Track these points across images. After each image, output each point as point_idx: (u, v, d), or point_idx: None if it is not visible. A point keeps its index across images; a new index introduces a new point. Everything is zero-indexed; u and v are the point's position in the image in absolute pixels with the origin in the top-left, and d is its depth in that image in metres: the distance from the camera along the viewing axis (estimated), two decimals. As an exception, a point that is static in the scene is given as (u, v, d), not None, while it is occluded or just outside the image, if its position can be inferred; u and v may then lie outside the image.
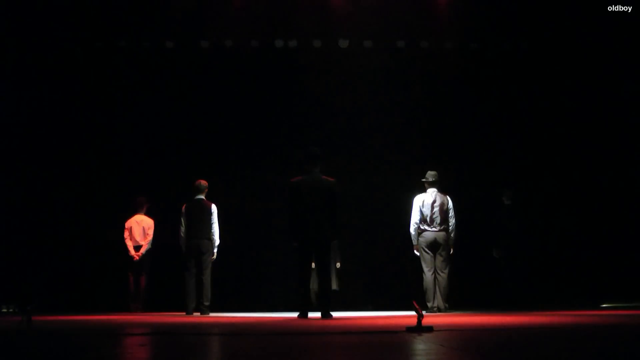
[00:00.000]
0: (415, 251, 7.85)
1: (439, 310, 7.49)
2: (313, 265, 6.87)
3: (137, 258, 8.93)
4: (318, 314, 6.55)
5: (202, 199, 8.07)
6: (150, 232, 9.04)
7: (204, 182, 8.14)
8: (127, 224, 9.02)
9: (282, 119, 10.14)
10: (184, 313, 7.80)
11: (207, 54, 10.05)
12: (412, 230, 7.79)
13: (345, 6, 9.51)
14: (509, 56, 10.03)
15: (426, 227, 7.70)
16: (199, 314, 7.70)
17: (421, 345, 2.93)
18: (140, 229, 9.02)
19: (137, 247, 8.98)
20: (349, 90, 10.08)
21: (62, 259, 9.37)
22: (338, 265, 9.05)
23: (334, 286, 9.29)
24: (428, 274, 7.67)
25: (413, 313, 3.80)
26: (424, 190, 7.84)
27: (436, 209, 7.70)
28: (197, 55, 10.05)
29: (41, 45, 9.64)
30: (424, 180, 7.85)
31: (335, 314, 7.10)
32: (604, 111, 9.73)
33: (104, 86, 9.93)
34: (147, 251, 9.01)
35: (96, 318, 6.39)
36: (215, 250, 8.03)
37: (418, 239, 7.75)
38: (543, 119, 9.94)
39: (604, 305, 8.50)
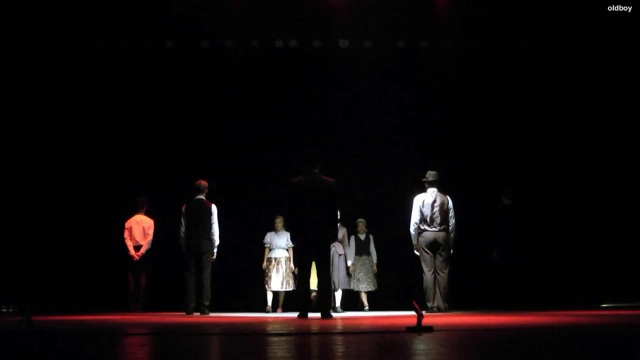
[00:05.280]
0: (415, 251, 7.85)
1: (439, 310, 7.49)
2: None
3: (137, 258, 8.93)
4: (318, 314, 6.54)
5: (202, 199, 8.08)
6: (150, 232, 9.04)
7: (204, 182, 8.14)
8: (127, 224, 9.02)
9: (282, 119, 10.14)
10: (184, 313, 7.79)
11: (207, 54, 10.05)
12: (412, 230, 7.79)
13: (345, 6, 9.51)
14: (509, 56, 10.03)
15: (426, 227, 7.70)
16: (199, 314, 7.70)
17: (421, 345, 2.93)
18: (140, 229, 9.02)
19: (137, 247, 8.97)
20: (349, 90, 10.08)
21: (62, 259, 9.36)
22: (349, 263, 8.97)
23: (373, 287, 9.19)
24: (428, 274, 7.66)
25: (413, 313, 3.80)
26: (424, 190, 7.84)
27: (436, 209, 7.69)
28: (197, 55, 10.05)
29: (41, 46, 9.64)
30: (424, 180, 7.85)
31: (335, 314, 7.11)
32: (604, 111, 9.73)
33: (104, 86, 9.93)
34: (147, 251, 9.01)
35: (96, 318, 6.39)
36: (215, 250, 8.03)
37: (418, 239, 7.75)
38: (543, 119, 9.94)
39: (604, 305, 8.50)
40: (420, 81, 10.05)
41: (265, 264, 9.06)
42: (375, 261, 9.30)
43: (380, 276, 9.28)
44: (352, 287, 9.11)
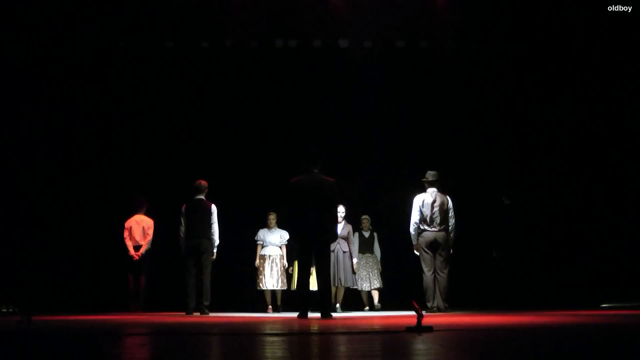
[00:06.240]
0: (415, 251, 7.85)
1: (439, 310, 7.49)
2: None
3: (137, 258, 8.93)
4: (318, 314, 6.54)
5: (202, 199, 8.08)
6: (150, 232, 9.03)
7: (204, 182, 8.14)
8: (127, 224, 9.02)
9: (282, 119, 10.14)
10: (184, 313, 7.79)
11: (207, 54, 10.05)
12: (412, 230, 7.79)
13: (345, 6, 9.51)
14: (509, 56, 10.03)
15: (426, 227, 7.70)
16: (199, 314, 7.70)
17: (421, 345, 2.93)
18: (140, 229, 9.02)
19: (137, 247, 8.97)
20: (348, 90, 10.08)
21: (62, 259, 9.36)
22: (355, 260, 8.86)
23: (378, 284, 9.05)
24: (428, 274, 7.66)
25: (413, 313, 3.80)
26: (424, 190, 7.84)
27: (436, 209, 7.69)
28: (197, 55, 10.05)
29: (41, 45, 9.63)
30: (424, 180, 7.85)
31: (335, 314, 7.11)
32: (604, 111, 9.73)
33: (103, 86, 9.93)
34: (147, 251, 9.00)
35: (96, 318, 6.39)
36: (215, 250, 8.03)
37: (418, 239, 7.75)
38: (543, 119, 9.94)
39: (604, 305, 8.50)
40: (420, 81, 10.05)
41: (258, 261, 8.89)
42: (379, 258, 9.21)
43: (383, 275, 9.22)
44: (357, 287, 9.04)
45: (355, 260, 8.85)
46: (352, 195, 9.34)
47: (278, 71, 10.17)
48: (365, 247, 9.16)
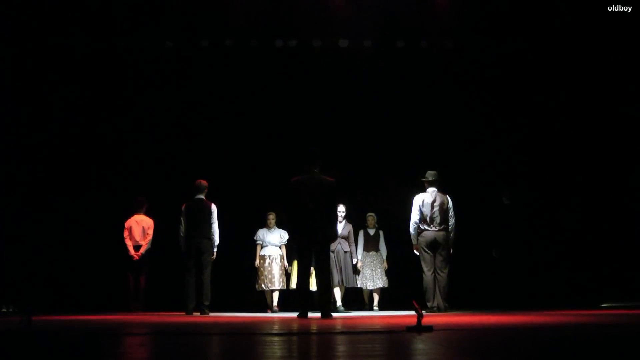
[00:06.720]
0: (415, 251, 7.85)
1: (439, 309, 7.49)
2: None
3: (137, 258, 8.93)
4: (318, 314, 6.54)
5: (202, 198, 8.08)
6: (150, 232, 9.04)
7: (204, 182, 8.15)
8: (127, 224, 9.02)
9: (282, 118, 10.14)
10: (184, 313, 7.79)
11: (207, 53, 10.05)
12: (411, 230, 7.79)
13: (345, 6, 9.50)
14: (509, 56, 10.03)
15: (426, 227, 7.70)
16: (198, 313, 7.70)
17: (421, 345, 2.93)
18: (140, 228, 9.02)
19: (137, 247, 8.98)
20: (349, 90, 10.08)
21: (62, 259, 9.36)
22: (355, 260, 8.82)
23: (381, 284, 8.96)
24: (428, 274, 7.66)
25: (413, 313, 3.80)
26: (424, 190, 7.84)
27: (436, 209, 7.70)
28: (197, 55, 10.05)
29: (41, 45, 9.64)
30: (424, 179, 7.86)
31: (335, 314, 7.11)
32: (604, 111, 9.72)
33: (103, 86, 9.93)
34: (147, 251, 9.00)
35: (96, 318, 6.39)
36: (215, 250, 8.03)
37: (418, 239, 7.75)
38: (543, 118, 9.94)
39: (604, 305, 8.50)
40: (420, 81, 10.05)
41: (257, 262, 8.84)
42: (384, 257, 9.11)
43: (388, 274, 9.18)
44: (359, 285, 9.01)
45: (355, 260, 8.83)
46: (354, 194, 9.34)
47: (278, 71, 10.17)
48: (370, 245, 9.06)
